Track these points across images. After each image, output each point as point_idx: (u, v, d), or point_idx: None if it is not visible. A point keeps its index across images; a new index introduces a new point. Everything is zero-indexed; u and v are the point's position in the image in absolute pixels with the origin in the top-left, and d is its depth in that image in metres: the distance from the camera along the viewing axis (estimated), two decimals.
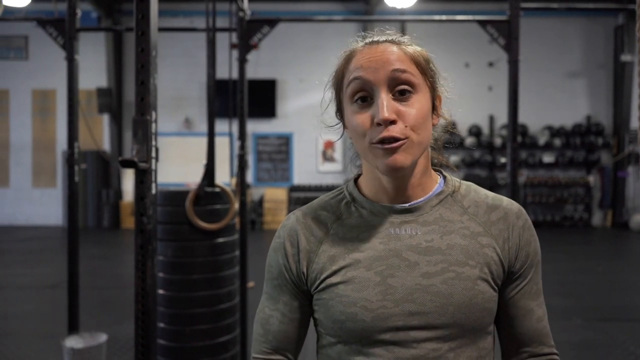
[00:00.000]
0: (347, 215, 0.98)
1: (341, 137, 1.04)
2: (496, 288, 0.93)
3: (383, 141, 0.87)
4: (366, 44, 0.94)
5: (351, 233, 0.95)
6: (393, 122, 0.87)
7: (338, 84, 0.96)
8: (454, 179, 1.01)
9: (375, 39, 0.94)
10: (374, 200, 0.97)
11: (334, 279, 0.92)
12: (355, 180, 1.03)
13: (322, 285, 0.93)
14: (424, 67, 0.92)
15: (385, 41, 0.93)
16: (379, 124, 0.87)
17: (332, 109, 1.01)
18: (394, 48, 0.91)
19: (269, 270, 1.01)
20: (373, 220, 0.95)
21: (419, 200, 0.96)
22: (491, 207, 0.97)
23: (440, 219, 0.95)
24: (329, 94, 0.99)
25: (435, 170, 1.01)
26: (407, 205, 0.95)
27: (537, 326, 0.98)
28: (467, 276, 0.90)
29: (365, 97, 0.90)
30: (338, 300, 0.91)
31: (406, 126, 0.87)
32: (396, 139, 0.87)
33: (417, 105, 0.89)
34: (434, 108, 0.95)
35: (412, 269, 0.90)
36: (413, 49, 0.93)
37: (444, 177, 1.01)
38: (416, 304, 0.89)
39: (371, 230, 0.94)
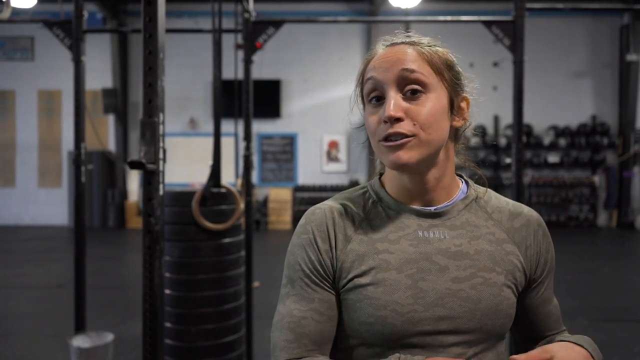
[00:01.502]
0: (375, 215, 0.96)
1: (366, 140, 1.01)
2: (517, 295, 0.95)
3: (389, 137, 0.88)
4: (387, 46, 0.95)
5: (379, 233, 0.94)
6: (399, 119, 0.87)
7: (360, 85, 0.97)
8: (476, 185, 1.02)
9: (396, 40, 0.95)
10: (399, 201, 0.96)
11: (362, 280, 0.90)
12: (380, 178, 1.02)
13: (350, 285, 0.91)
14: (440, 68, 0.92)
15: (403, 43, 0.94)
16: (385, 122, 0.88)
17: (357, 108, 1.01)
18: (409, 49, 0.92)
19: (297, 269, 0.94)
20: (401, 222, 0.94)
21: (445, 204, 0.96)
22: (514, 214, 0.99)
23: (467, 223, 0.95)
24: (354, 94, 1.00)
25: (457, 175, 1.01)
26: (433, 208, 0.95)
27: (554, 326, 1.05)
28: (494, 282, 0.91)
29: (379, 97, 0.92)
30: (367, 303, 0.89)
31: (415, 124, 0.88)
32: (402, 135, 0.87)
33: (428, 104, 0.89)
34: (456, 109, 0.94)
35: (442, 273, 0.90)
36: (430, 49, 0.92)
37: (466, 182, 1.02)
38: (446, 309, 0.88)
39: (400, 231, 0.94)
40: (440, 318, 0.88)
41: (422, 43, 0.94)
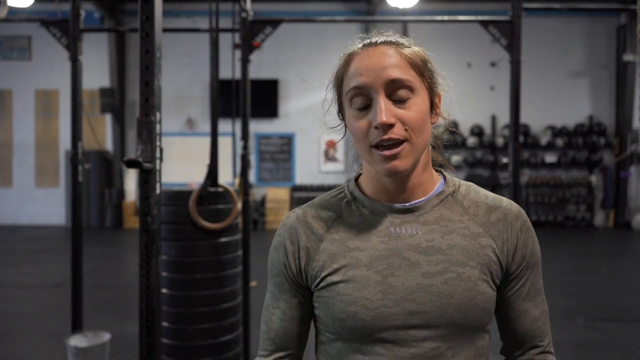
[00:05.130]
0: (348, 214, 0.98)
1: (343, 137, 1.04)
2: (495, 288, 0.95)
3: (382, 144, 0.88)
4: (364, 45, 0.94)
5: (352, 232, 0.96)
6: (391, 125, 0.88)
7: (338, 87, 0.97)
8: (454, 179, 1.02)
9: (374, 40, 0.94)
10: (374, 199, 0.98)
11: (334, 278, 0.93)
12: (356, 179, 1.03)
13: (323, 283, 0.94)
14: (422, 69, 0.93)
15: (383, 43, 0.93)
16: (377, 128, 0.88)
17: (334, 109, 1.02)
18: (392, 52, 0.91)
19: (270, 268, 1.02)
20: (374, 220, 0.96)
21: (420, 200, 0.96)
22: (491, 208, 0.98)
23: (441, 218, 0.95)
24: (330, 95, 1.00)
25: (435, 171, 1.02)
26: (407, 204, 0.96)
27: (530, 327, 0.99)
28: (467, 277, 0.91)
29: (365, 101, 0.91)
30: (339, 299, 0.92)
31: (406, 129, 0.89)
32: (395, 140, 0.88)
33: (415, 108, 0.90)
34: (433, 107, 0.96)
35: (412, 268, 0.91)
36: (410, 50, 0.93)
37: (444, 177, 1.02)
38: (416, 304, 0.90)
39: (372, 229, 0.95)
40: (410, 313, 0.90)
41: (401, 43, 0.94)
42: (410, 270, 0.91)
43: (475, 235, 0.94)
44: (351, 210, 0.99)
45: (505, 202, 0.99)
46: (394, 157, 0.88)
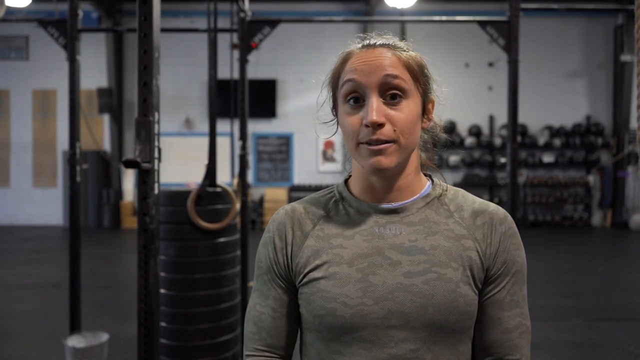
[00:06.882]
0: (335, 213, 1.00)
1: (335, 132, 1.05)
2: (477, 292, 0.94)
3: (370, 142, 0.90)
4: (363, 46, 0.96)
5: (336, 230, 0.97)
6: (381, 125, 0.89)
7: (334, 83, 0.99)
8: (443, 184, 1.03)
9: (372, 41, 0.96)
10: (361, 199, 0.99)
11: (316, 274, 0.94)
12: (346, 180, 1.05)
13: (305, 279, 0.95)
14: (417, 73, 0.94)
15: (382, 45, 0.95)
16: (367, 126, 0.90)
17: (328, 106, 1.03)
18: (389, 53, 0.93)
19: (258, 266, 1.02)
20: (359, 219, 0.97)
21: (406, 201, 0.97)
22: (477, 212, 0.98)
23: (426, 220, 0.96)
24: (326, 92, 1.02)
25: (424, 175, 1.03)
26: (393, 205, 0.97)
27: (500, 337, 0.94)
28: (449, 278, 0.91)
29: (358, 99, 0.93)
30: (319, 295, 0.92)
31: (395, 130, 0.90)
32: (383, 141, 0.89)
33: (406, 110, 0.91)
34: (425, 112, 0.98)
35: (394, 267, 0.91)
36: (407, 54, 0.94)
37: (432, 181, 1.03)
38: (396, 303, 0.89)
39: (356, 228, 0.96)
40: (390, 312, 0.89)
41: (399, 47, 0.95)
42: (391, 269, 0.91)
43: (459, 237, 0.94)
44: (338, 210, 1.00)
45: (492, 206, 0.99)
46: (379, 152, 0.90)
